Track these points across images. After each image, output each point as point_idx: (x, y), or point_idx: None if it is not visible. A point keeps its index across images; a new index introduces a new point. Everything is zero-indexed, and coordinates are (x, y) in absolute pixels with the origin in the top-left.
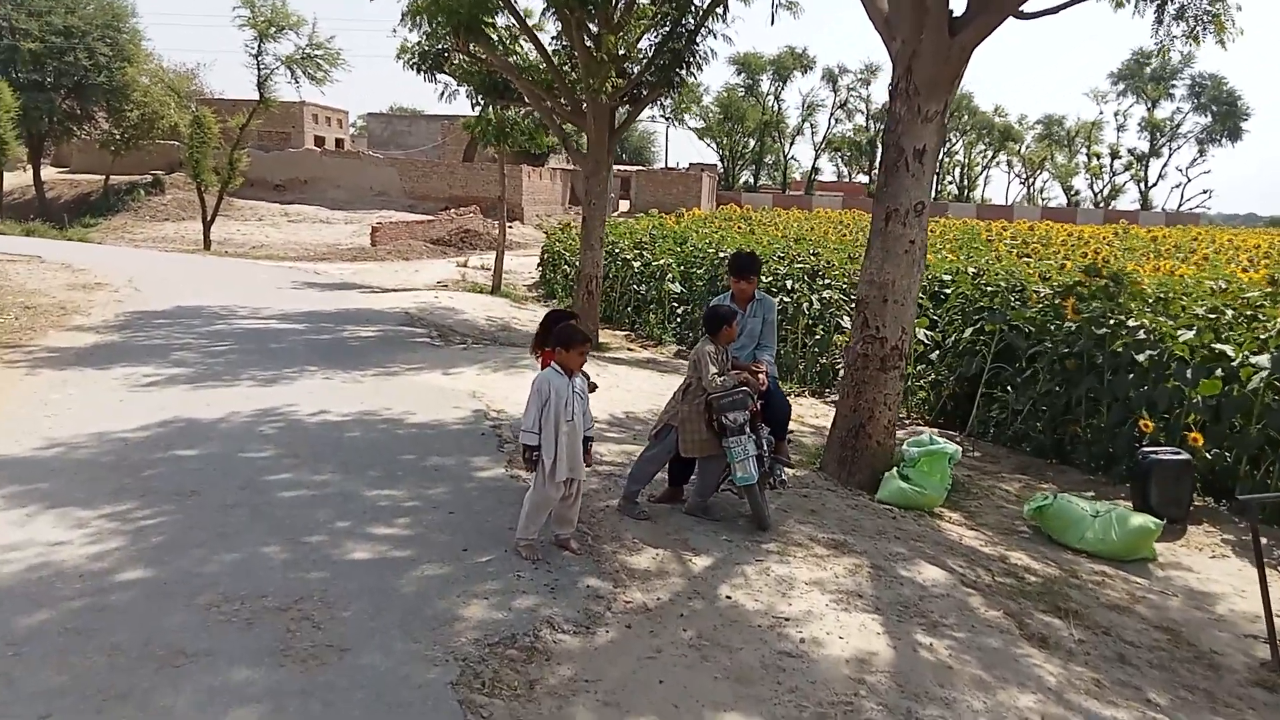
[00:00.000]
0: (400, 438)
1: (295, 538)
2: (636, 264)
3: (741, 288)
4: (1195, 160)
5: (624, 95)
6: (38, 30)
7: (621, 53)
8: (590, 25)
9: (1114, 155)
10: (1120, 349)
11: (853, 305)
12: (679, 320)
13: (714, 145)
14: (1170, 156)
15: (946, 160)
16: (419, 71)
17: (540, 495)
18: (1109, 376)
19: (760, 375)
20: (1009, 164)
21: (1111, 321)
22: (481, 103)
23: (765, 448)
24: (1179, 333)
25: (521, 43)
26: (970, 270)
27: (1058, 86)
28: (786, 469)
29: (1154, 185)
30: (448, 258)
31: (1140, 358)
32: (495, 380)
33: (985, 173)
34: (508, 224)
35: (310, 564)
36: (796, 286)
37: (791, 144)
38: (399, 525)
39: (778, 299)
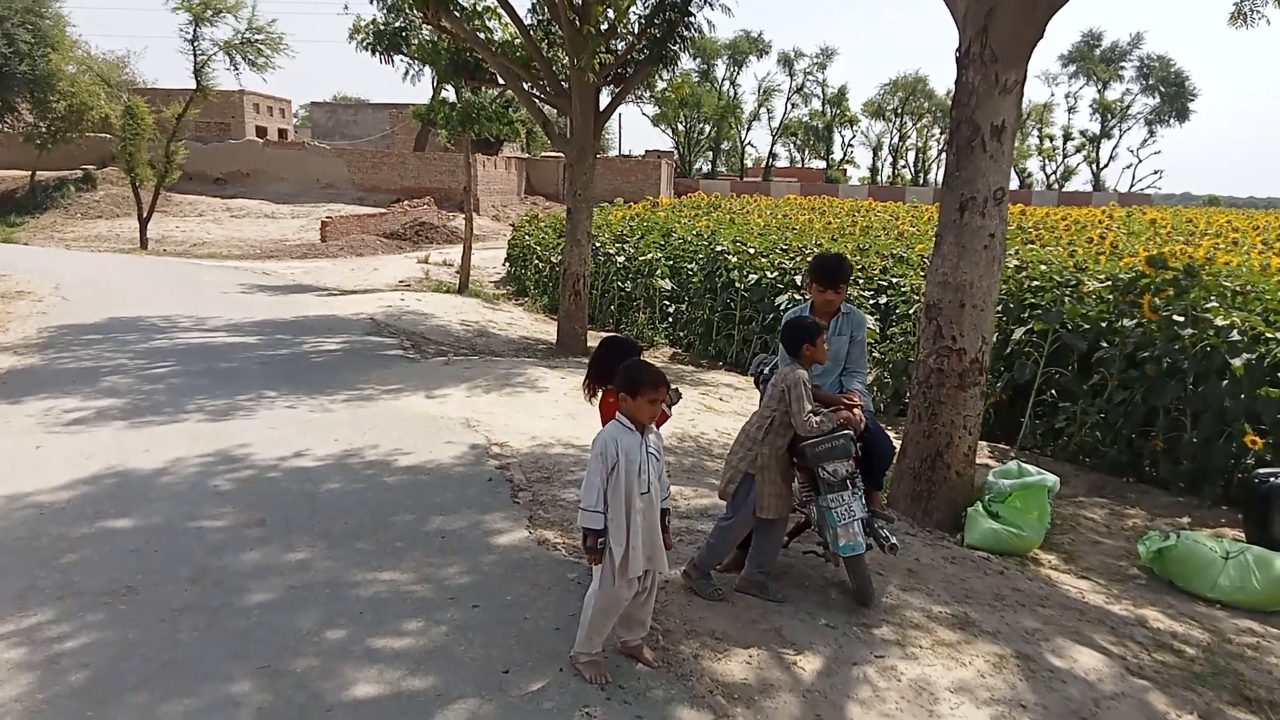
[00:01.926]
0: (390, 489)
1: (272, 664)
2: (620, 259)
3: (828, 298)
4: (1145, 141)
5: (610, 74)
6: None
7: (606, 26)
8: None
9: (1066, 137)
10: (1207, 352)
11: (885, 304)
12: (670, 320)
13: (669, 132)
14: (1121, 138)
15: (900, 145)
16: (374, 53)
17: (608, 597)
18: (1191, 384)
19: (856, 411)
20: None
21: (1195, 320)
22: (449, 85)
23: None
24: None
25: (497, 16)
26: (1011, 264)
27: None
28: (887, 524)
29: (1105, 166)
30: (404, 253)
31: (1236, 362)
32: (489, 404)
33: (940, 157)
34: (464, 215)
35: (297, 711)
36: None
37: (748, 130)
38: (410, 632)
39: (786, 296)
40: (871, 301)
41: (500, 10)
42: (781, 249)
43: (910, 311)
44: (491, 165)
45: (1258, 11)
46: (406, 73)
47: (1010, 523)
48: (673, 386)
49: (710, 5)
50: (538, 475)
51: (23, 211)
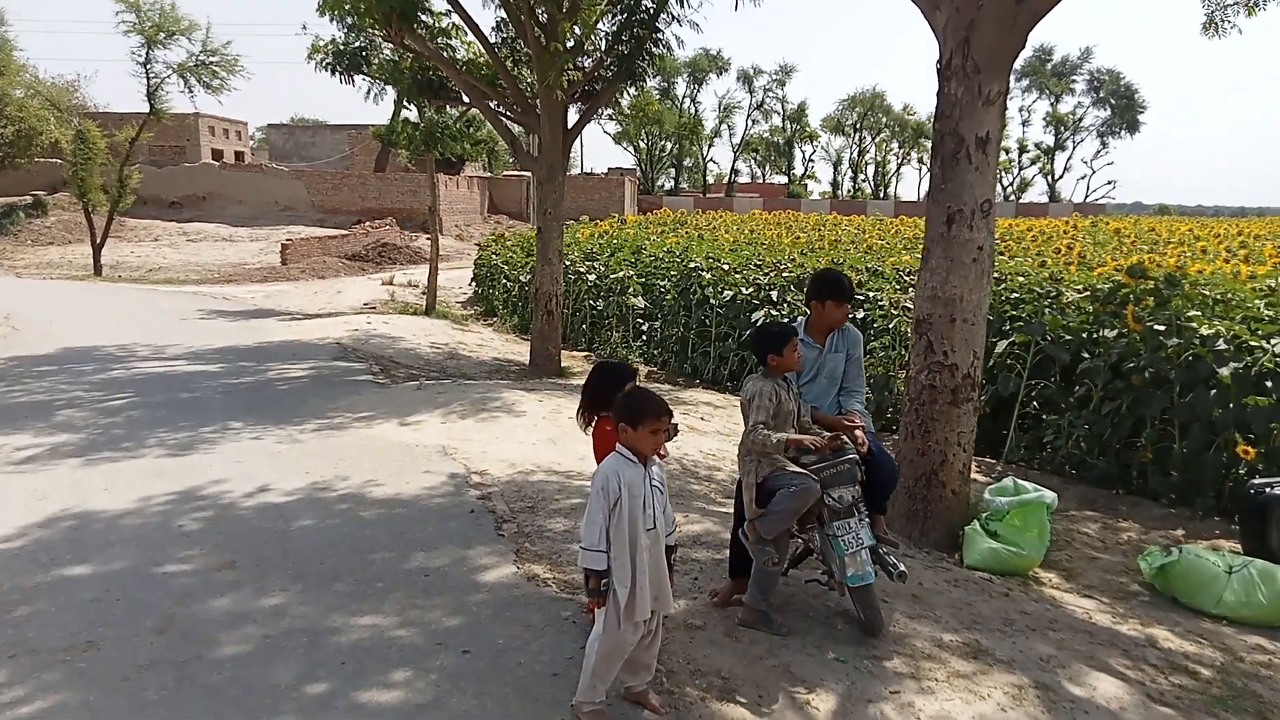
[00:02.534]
0: (367, 525)
1: None
2: (591, 277)
3: (834, 314)
4: (1098, 152)
5: (578, 91)
6: None
7: (573, 43)
8: (539, 12)
9: (1021, 149)
10: (1192, 361)
11: (862, 318)
12: (645, 338)
13: (631, 149)
14: (1074, 149)
15: (859, 159)
16: (335, 73)
17: (613, 642)
18: (1178, 394)
19: (857, 433)
20: (921, 161)
21: (1179, 330)
22: (411, 104)
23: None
24: (1273, 341)
25: (459, 35)
26: None
27: None
28: (893, 549)
29: (1060, 178)
30: (367, 274)
31: (1224, 371)
32: (466, 430)
33: (898, 171)
34: (427, 235)
35: None
36: (788, 299)
37: (710, 146)
38: (397, 684)
39: (762, 312)
40: (849, 317)
41: (465, 28)
42: (755, 265)
43: (890, 326)
44: (454, 185)
45: (1229, 21)
46: (369, 93)
47: (1010, 541)
48: (673, 420)
49: (678, 22)
50: (521, 505)
51: None
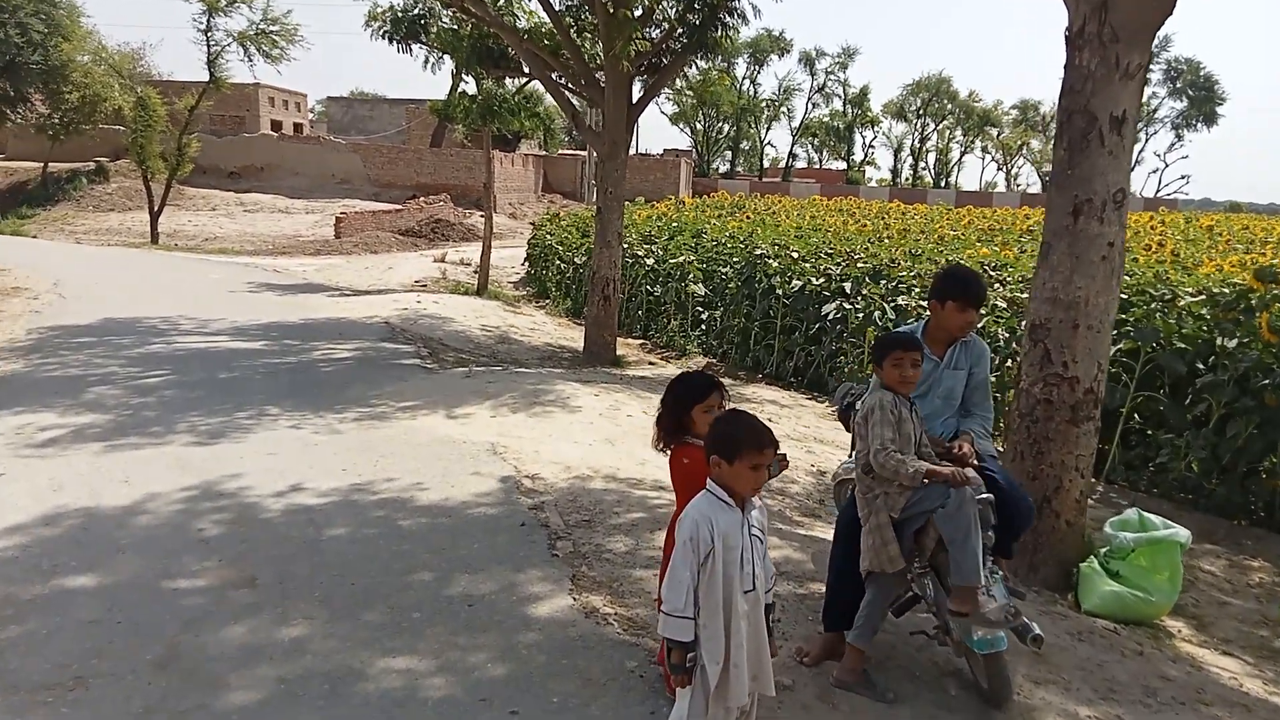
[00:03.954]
0: (406, 537)
1: None
2: (649, 261)
3: (953, 319)
4: (1172, 145)
5: (644, 63)
6: None
7: (641, 11)
8: None
9: None
10: None
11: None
12: (704, 327)
13: (688, 130)
14: (1147, 142)
15: (921, 147)
16: (392, 41)
17: None
18: None
19: (964, 449)
20: (985, 150)
21: None
22: (469, 75)
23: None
24: None
25: (520, 2)
26: None
27: (1032, 70)
28: (1018, 598)
29: (1132, 170)
30: (419, 250)
31: None
32: (517, 426)
33: (960, 160)
34: (481, 213)
35: None
36: (864, 291)
37: (768, 130)
38: None
39: (834, 305)
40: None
41: None
42: (827, 253)
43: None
44: (508, 162)
45: None
46: (426, 62)
47: (1135, 585)
48: (780, 451)
49: None
50: (577, 518)
51: (34, 204)
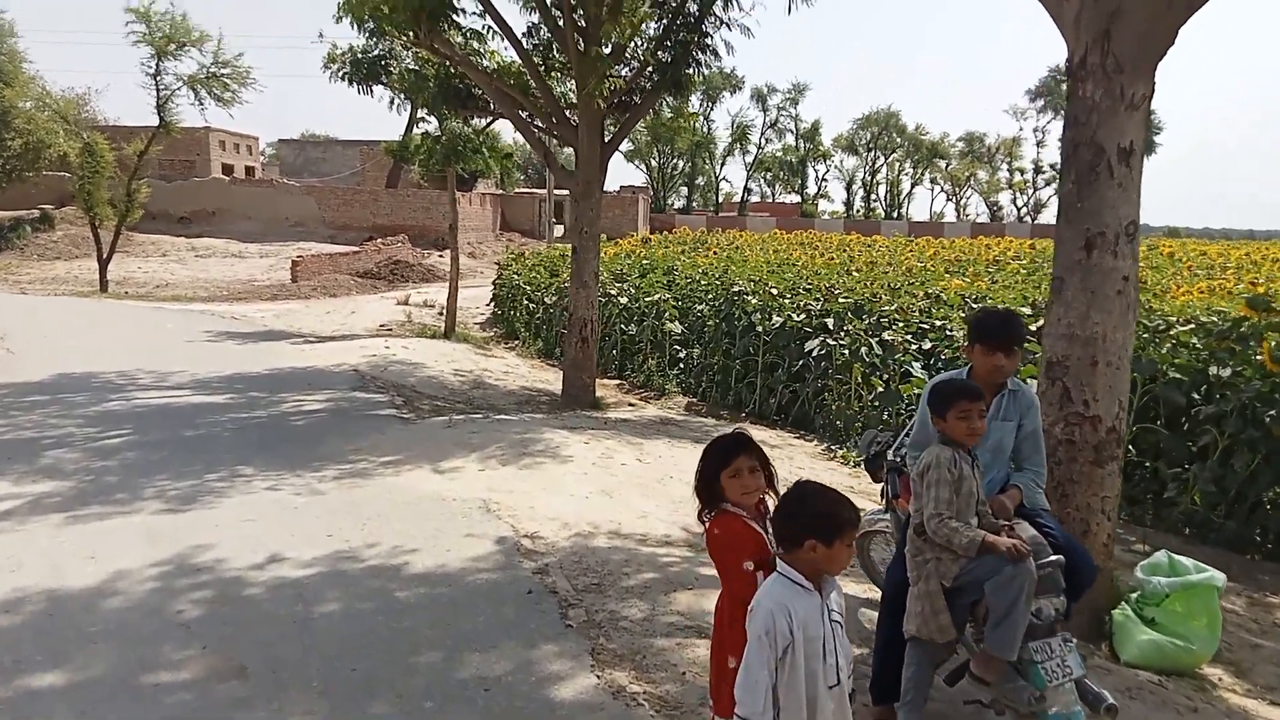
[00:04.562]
0: (405, 611)
1: None
2: (623, 299)
3: (996, 364)
4: None
5: (615, 101)
6: None
7: (610, 49)
8: (577, 15)
9: (1037, 170)
10: None
11: (930, 349)
12: (682, 367)
13: (643, 167)
14: None
15: (871, 179)
16: (352, 83)
17: None
18: None
19: (1006, 503)
20: (934, 182)
21: None
22: (434, 115)
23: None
24: None
25: (481, 39)
26: None
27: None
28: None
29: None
30: (380, 293)
31: None
32: (508, 480)
33: (911, 191)
34: (440, 253)
35: None
36: (849, 328)
37: (723, 165)
38: None
39: (817, 341)
40: (915, 347)
41: (496, 30)
42: (805, 289)
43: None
44: (466, 201)
45: None
46: (392, 103)
47: (1173, 633)
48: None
49: (727, 26)
50: (586, 581)
51: None
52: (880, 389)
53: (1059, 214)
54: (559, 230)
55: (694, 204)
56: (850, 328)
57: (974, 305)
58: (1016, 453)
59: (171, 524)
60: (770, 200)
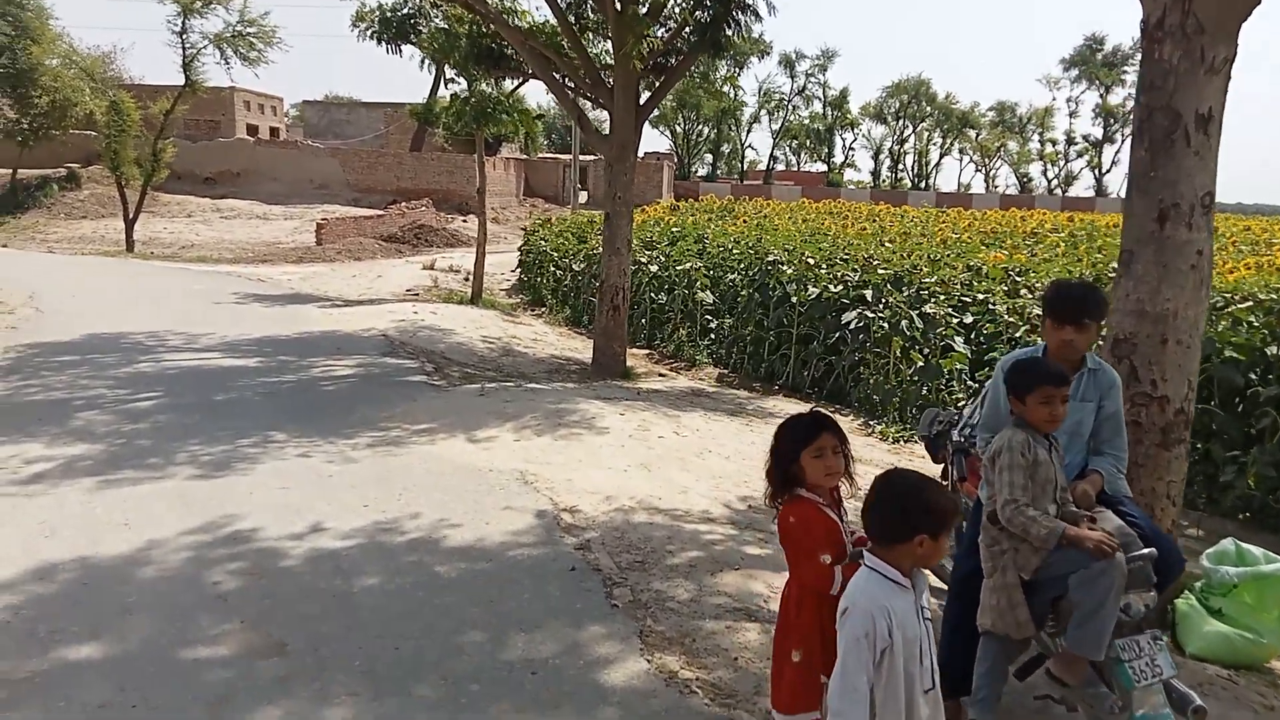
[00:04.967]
0: (446, 587)
1: None
2: (653, 268)
3: (1065, 338)
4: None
5: (651, 63)
6: None
7: (646, 10)
8: None
9: (1069, 141)
10: None
11: (971, 323)
12: (713, 337)
13: (668, 133)
14: (1123, 143)
15: (899, 149)
16: (380, 42)
17: None
18: None
19: (1087, 489)
20: (962, 152)
21: None
22: (464, 76)
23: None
24: None
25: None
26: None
27: (1008, 73)
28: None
29: (1108, 171)
30: (404, 257)
31: None
32: (545, 451)
33: (939, 162)
34: (463, 218)
35: None
36: (888, 300)
37: (748, 132)
38: None
39: (855, 313)
40: (957, 321)
41: None
42: (843, 259)
43: (1016, 335)
44: (490, 166)
45: None
46: (423, 62)
47: (1242, 625)
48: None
49: None
50: (629, 559)
51: (3, 211)
52: (920, 363)
53: (1129, 184)
54: (583, 197)
55: (718, 172)
56: (890, 299)
57: (1017, 279)
58: (1095, 435)
59: (205, 490)
60: (796, 169)
